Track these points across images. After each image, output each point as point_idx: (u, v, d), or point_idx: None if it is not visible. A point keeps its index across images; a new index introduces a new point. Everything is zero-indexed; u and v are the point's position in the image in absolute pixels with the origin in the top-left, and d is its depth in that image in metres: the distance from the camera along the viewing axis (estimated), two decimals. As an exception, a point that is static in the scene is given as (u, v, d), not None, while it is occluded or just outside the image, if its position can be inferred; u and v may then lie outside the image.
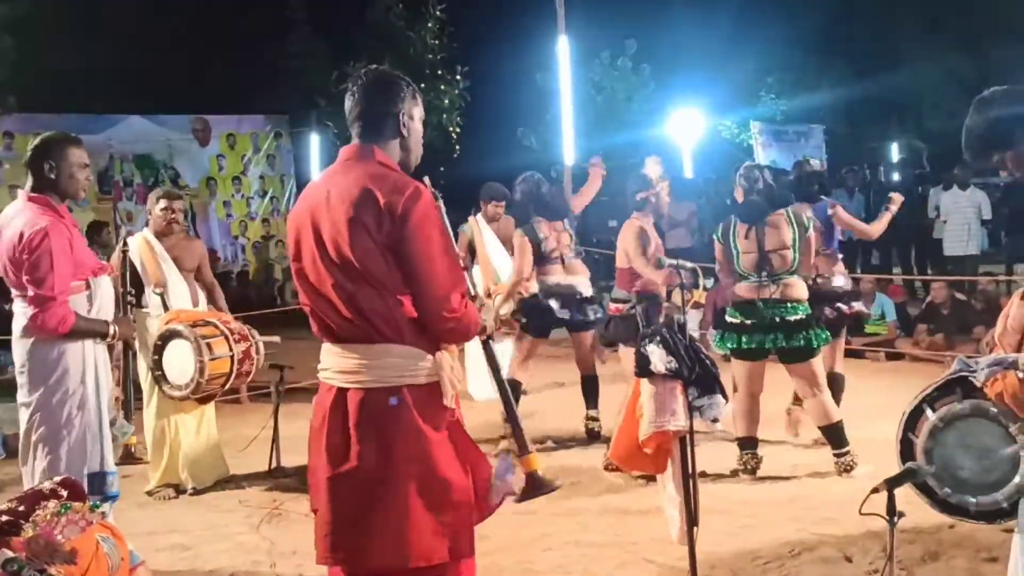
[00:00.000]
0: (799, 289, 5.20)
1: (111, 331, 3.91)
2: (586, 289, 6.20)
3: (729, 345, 5.31)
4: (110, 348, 4.04)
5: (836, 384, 5.74)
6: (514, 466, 2.79)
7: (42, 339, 3.74)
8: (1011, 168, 2.62)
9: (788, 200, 5.43)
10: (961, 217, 11.50)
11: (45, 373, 3.75)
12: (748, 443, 5.32)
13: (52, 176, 3.76)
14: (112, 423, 4.00)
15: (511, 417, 3.16)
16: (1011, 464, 2.63)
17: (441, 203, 2.71)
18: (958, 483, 2.71)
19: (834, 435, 5.24)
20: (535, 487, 2.90)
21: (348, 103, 2.70)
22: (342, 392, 2.61)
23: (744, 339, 5.21)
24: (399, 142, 2.70)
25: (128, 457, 6.16)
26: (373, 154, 2.63)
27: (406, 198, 2.51)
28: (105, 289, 3.96)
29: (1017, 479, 2.62)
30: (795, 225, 5.20)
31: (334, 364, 2.63)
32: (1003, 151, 2.57)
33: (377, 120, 2.68)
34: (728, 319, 5.32)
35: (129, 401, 4.57)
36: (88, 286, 3.84)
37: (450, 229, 2.71)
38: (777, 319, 5.12)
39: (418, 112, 2.75)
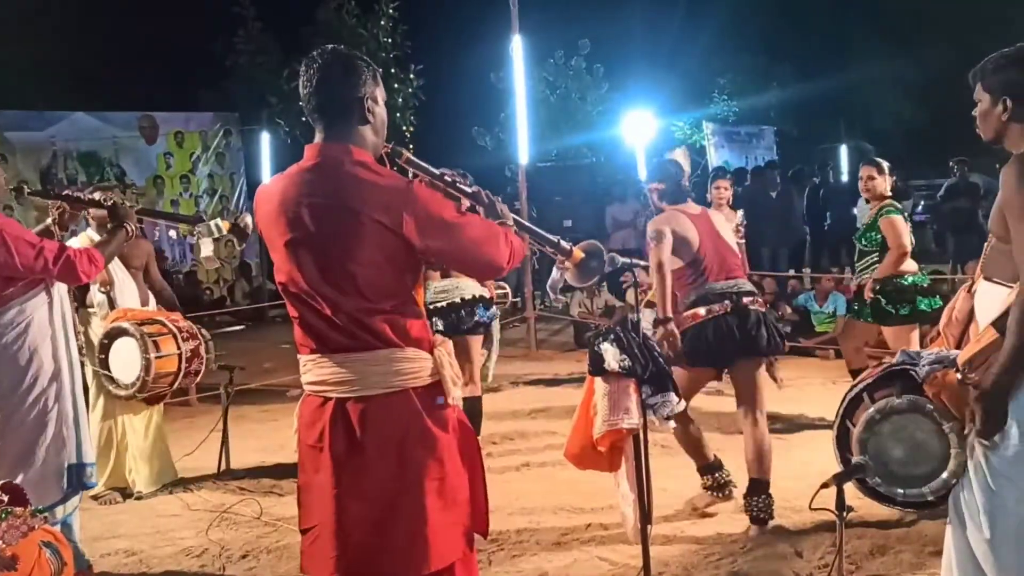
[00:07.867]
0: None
1: (129, 229, 4.07)
2: (470, 292, 5.32)
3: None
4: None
5: None
6: (565, 267, 3.15)
7: (9, 340, 3.70)
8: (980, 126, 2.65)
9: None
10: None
11: (18, 374, 3.71)
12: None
13: None
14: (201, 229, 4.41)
15: (532, 233, 3.00)
16: (940, 460, 2.70)
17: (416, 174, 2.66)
18: (888, 475, 2.79)
19: None
20: (590, 257, 3.14)
21: (304, 90, 2.43)
22: (340, 403, 2.44)
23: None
24: (369, 128, 2.48)
25: None
26: (351, 154, 2.41)
27: (411, 203, 2.37)
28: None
29: (945, 475, 2.69)
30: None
31: (328, 376, 2.45)
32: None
33: (342, 110, 2.43)
34: None
35: None
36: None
37: None
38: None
39: (381, 94, 2.52)
